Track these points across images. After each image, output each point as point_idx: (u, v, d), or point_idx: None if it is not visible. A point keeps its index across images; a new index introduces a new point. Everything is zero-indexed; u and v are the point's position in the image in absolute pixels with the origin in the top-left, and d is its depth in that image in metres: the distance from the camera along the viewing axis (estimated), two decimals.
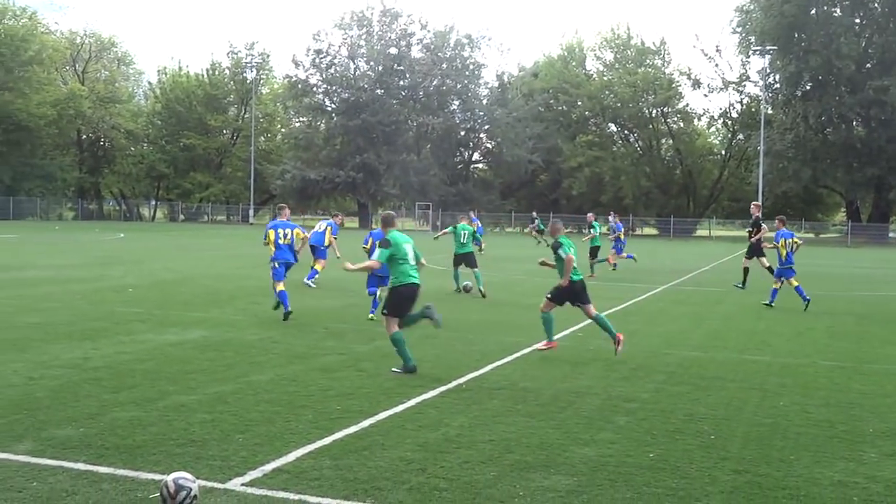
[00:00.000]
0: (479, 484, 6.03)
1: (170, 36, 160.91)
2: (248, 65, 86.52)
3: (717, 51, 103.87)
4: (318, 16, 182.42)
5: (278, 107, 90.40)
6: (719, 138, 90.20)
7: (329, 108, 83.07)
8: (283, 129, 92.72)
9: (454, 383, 9.39)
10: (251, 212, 79.92)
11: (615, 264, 27.69)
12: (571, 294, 11.63)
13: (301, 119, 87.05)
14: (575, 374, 10.20)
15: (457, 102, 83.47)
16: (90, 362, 9.95)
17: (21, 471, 6.01)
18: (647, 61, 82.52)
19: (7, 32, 69.75)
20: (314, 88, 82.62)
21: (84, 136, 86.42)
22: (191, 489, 5.27)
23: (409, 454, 6.69)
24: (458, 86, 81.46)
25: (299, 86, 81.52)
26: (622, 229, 28.76)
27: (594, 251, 25.88)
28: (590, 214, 29.58)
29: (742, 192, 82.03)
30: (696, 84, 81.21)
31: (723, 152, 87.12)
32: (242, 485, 5.86)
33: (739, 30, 75.61)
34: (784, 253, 17.55)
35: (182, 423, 7.35)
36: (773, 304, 17.76)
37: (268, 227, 14.99)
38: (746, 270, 21.75)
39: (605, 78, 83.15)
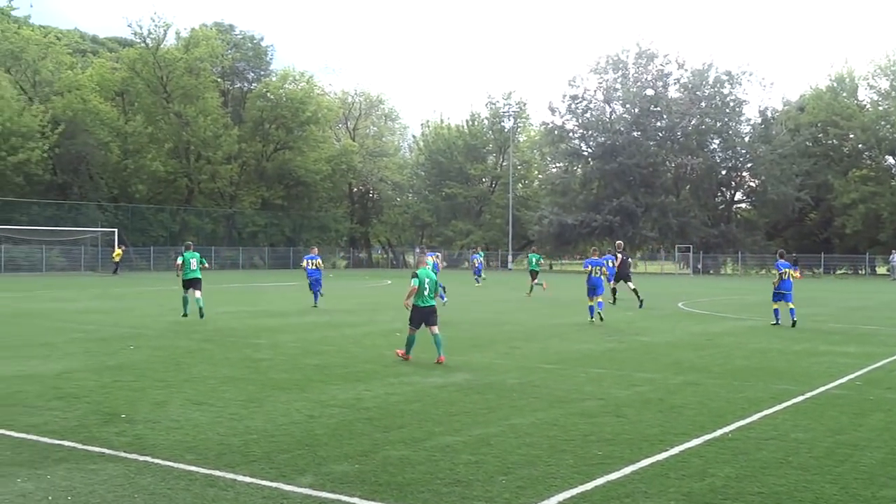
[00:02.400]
0: None
1: (432, 91, 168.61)
2: (506, 114, 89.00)
3: None
4: (574, 62, 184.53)
5: (535, 153, 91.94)
6: None
7: (585, 153, 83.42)
8: (539, 175, 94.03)
9: (719, 432, 9.08)
10: (510, 258, 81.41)
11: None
12: (422, 316, 14.31)
13: (557, 164, 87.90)
14: (853, 425, 9.55)
15: (717, 141, 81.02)
16: (363, 402, 10.54)
17: (304, 503, 6.48)
18: None
19: (288, 96, 75.90)
20: (570, 134, 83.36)
21: (355, 189, 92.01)
22: None
23: (674, 503, 6.54)
24: (718, 124, 79.13)
25: (555, 132, 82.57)
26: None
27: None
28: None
29: None
30: None
31: None
32: None
33: None
34: (777, 281, 21.62)
35: (448, 464, 7.61)
36: (778, 323, 21.31)
37: (305, 257, 28.22)
38: (614, 290, 28.88)
39: (881, 108, 77.47)
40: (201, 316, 21.54)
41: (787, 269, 21.64)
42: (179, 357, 14.61)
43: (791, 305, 21.29)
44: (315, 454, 7.91)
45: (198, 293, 21.95)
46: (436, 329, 14.39)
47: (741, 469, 7.60)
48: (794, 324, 20.86)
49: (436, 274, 20.67)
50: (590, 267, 23.30)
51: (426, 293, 14.30)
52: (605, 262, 24.84)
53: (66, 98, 64.08)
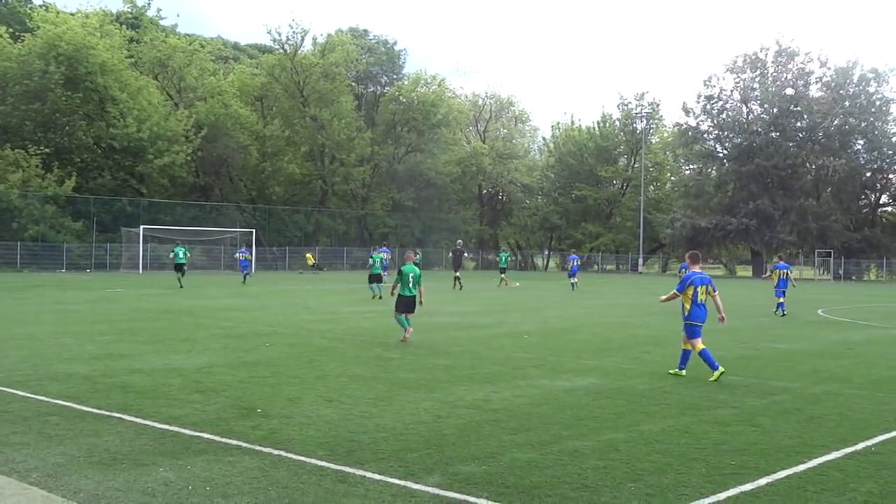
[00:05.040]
0: None
1: (563, 92, 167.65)
2: (638, 115, 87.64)
3: None
4: (709, 61, 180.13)
5: (668, 155, 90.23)
6: None
7: (720, 154, 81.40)
8: (672, 178, 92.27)
9: (862, 445, 8.69)
10: (640, 261, 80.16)
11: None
12: (404, 305, 17.32)
13: (691, 166, 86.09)
14: None
15: (861, 142, 77.60)
16: (490, 404, 10.56)
17: (431, 502, 6.54)
18: None
19: (420, 99, 76.83)
20: (705, 135, 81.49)
21: (484, 191, 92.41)
22: None
23: None
24: (863, 124, 75.78)
25: (689, 133, 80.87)
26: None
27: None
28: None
29: None
30: None
31: None
32: None
33: None
34: (777, 280, 26.89)
35: (575, 468, 7.55)
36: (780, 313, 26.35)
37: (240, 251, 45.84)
38: (457, 279, 39.84)
39: None
40: (181, 286, 35.89)
41: (785, 271, 27.04)
42: (312, 355, 14.99)
43: (781, 300, 26.83)
44: (443, 454, 7.97)
45: (180, 274, 37.62)
46: (411, 316, 17.50)
47: (885, 485, 7.25)
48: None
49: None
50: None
51: (410, 285, 17.35)
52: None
53: (209, 103, 66.72)
